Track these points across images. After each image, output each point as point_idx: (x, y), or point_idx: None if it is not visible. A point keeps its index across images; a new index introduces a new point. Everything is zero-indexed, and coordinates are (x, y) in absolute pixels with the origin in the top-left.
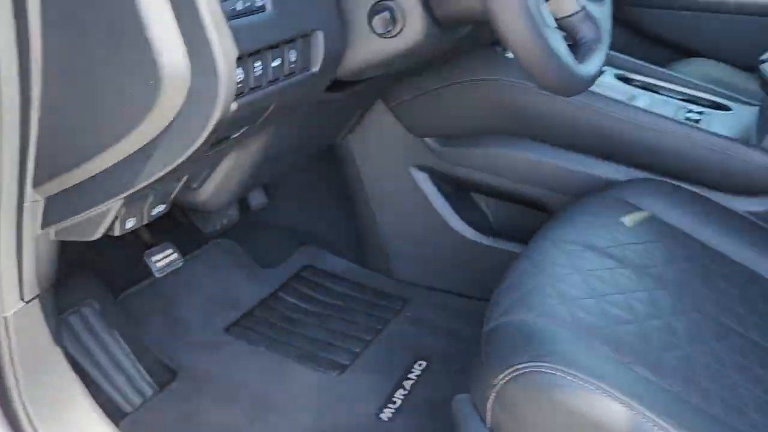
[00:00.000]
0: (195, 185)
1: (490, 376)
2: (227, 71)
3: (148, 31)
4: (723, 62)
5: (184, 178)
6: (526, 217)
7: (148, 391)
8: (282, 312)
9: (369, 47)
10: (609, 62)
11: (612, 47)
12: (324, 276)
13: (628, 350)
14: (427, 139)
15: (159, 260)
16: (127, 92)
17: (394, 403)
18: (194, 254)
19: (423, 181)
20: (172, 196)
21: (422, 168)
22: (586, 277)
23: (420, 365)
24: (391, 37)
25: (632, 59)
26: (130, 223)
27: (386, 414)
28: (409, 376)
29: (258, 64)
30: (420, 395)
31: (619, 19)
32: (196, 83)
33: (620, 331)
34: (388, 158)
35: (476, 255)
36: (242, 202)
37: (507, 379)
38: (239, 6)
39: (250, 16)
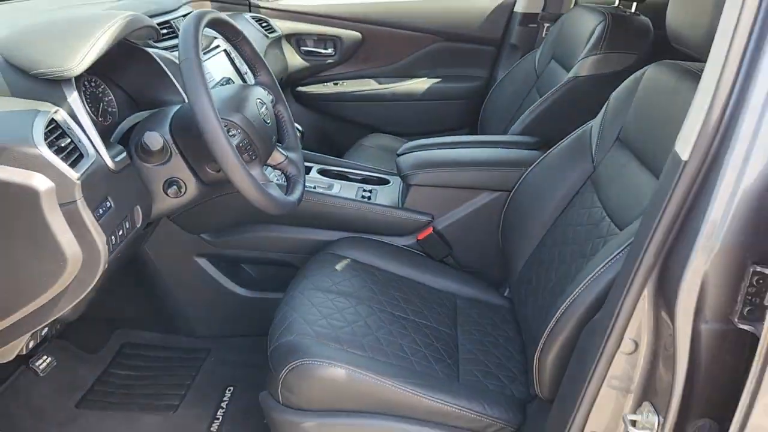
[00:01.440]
0: None
1: (277, 375)
2: (103, 249)
3: (57, 239)
4: (390, 134)
5: None
6: (279, 272)
7: None
8: (116, 383)
9: (166, 204)
10: (314, 161)
11: (323, 132)
12: (141, 348)
13: (345, 342)
14: (202, 235)
15: (41, 364)
16: (45, 269)
17: (218, 419)
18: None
19: (204, 264)
20: None
21: (202, 255)
22: (319, 308)
23: (229, 390)
24: (180, 197)
25: (328, 156)
26: (31, 345)
27: (214, 426)
28: (224, 399)
29: (113, 237)
30: (234, 409)
31: (326, 112)
32: (86, 258)
33: (339, 333)
34: (176, 253)
35: (251, 305)
36: None
37: (286, 373)
38: (101, 211)
39: (107, 213)
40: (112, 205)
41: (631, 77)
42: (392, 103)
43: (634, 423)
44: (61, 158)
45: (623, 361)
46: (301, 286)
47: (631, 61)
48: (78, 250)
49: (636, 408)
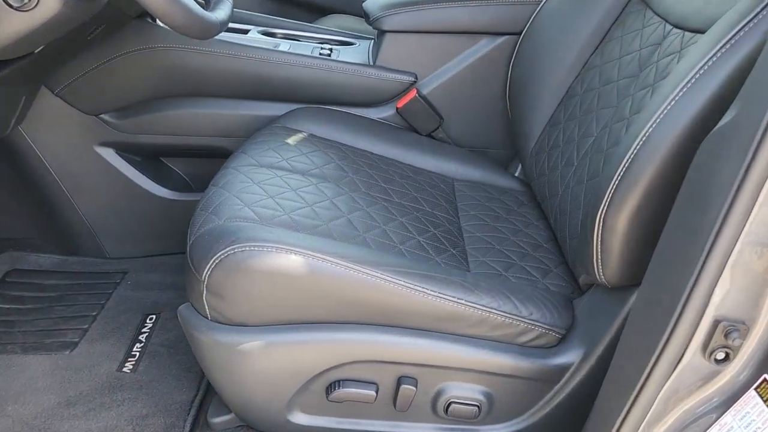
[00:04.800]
0: None
1: (197, 275)
2: None
3: None
4: (350, 15)
5: None
6: (212, 166)
7: None
8: None
9: (11, 22)
10: (253, 22)
11: (268, 12)
12: (32, 275)
13: (302, 226)
14: (103, 116)
15: None
16: None
17: (134, 356)
18: None
19: (110, 156)
20: None
21: (106, 144)
22: (262, 186)
23: (151, 319)
24: (29, 11)
25: (274, 17)
26: None
27: (128, 367)
28: (143, 330)
29: None
30: (156, 342)
31: None
32: None
33: (295, 215)
34: (69, 142)
35: (178, 211)
36: None
37: (210, 270)
38: None
39: None
40: None
41: None
42: None
43: None
44: None
45: None
46: (237, 162)
47: None
48: None
49: None
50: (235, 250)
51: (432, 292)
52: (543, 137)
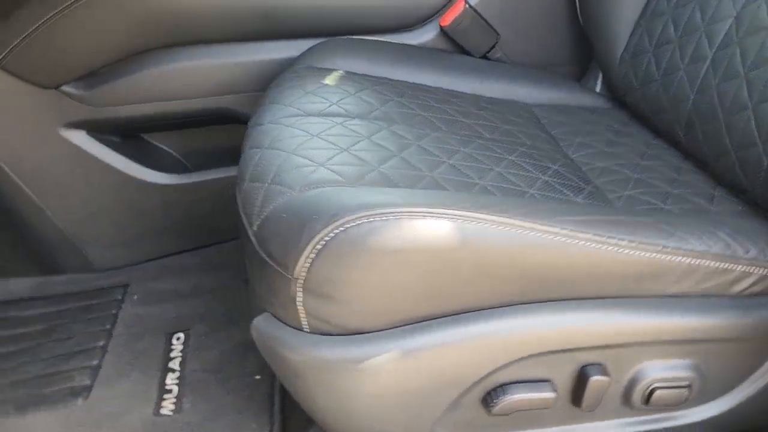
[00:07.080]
0: None
1: (284, 273)
2: None
3: None
4: None
5: None
6: (214, 137)
7: None
8: None
9: None
10: None
11: None
12: (6, 306)
13: (401, 180)
14: (64, 88)
15: None
16: None
17: (170, 391)
18: None
19: (82, 140)
20: None
21: (74, 125)
22: (325, 138)
23: (178, 339)
24: None
25: None
26: None
27: (166, 407)
28: (171, 356)
29: None
30: (195, 367)
31: None
32: None
33: (385, 169)
34: (26, 129)
35: (178, 198)
36: None
37: (310, 262)
38: None
39: None
40: None
41: None
42: None
43: None
44: None
45: None
46: (272, 116)
47: None
48: None
49: None
50: (347, 226)
51: (627, 243)
52: (638, 36)
